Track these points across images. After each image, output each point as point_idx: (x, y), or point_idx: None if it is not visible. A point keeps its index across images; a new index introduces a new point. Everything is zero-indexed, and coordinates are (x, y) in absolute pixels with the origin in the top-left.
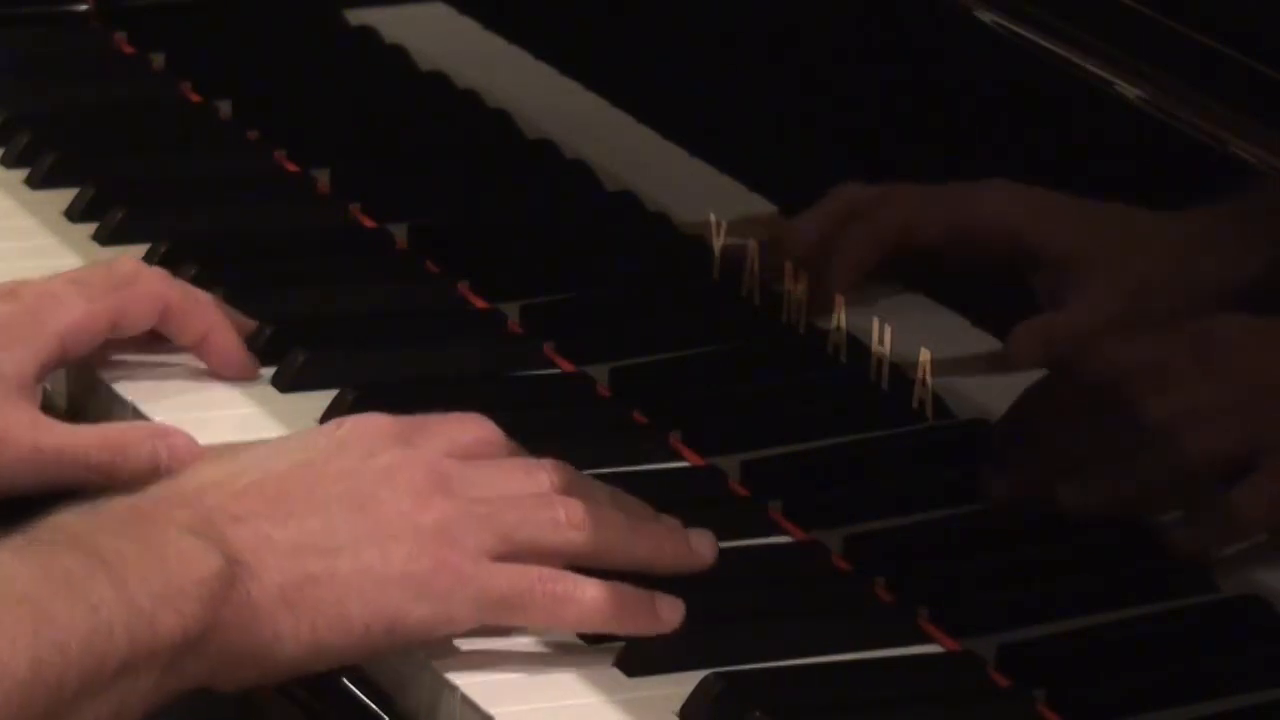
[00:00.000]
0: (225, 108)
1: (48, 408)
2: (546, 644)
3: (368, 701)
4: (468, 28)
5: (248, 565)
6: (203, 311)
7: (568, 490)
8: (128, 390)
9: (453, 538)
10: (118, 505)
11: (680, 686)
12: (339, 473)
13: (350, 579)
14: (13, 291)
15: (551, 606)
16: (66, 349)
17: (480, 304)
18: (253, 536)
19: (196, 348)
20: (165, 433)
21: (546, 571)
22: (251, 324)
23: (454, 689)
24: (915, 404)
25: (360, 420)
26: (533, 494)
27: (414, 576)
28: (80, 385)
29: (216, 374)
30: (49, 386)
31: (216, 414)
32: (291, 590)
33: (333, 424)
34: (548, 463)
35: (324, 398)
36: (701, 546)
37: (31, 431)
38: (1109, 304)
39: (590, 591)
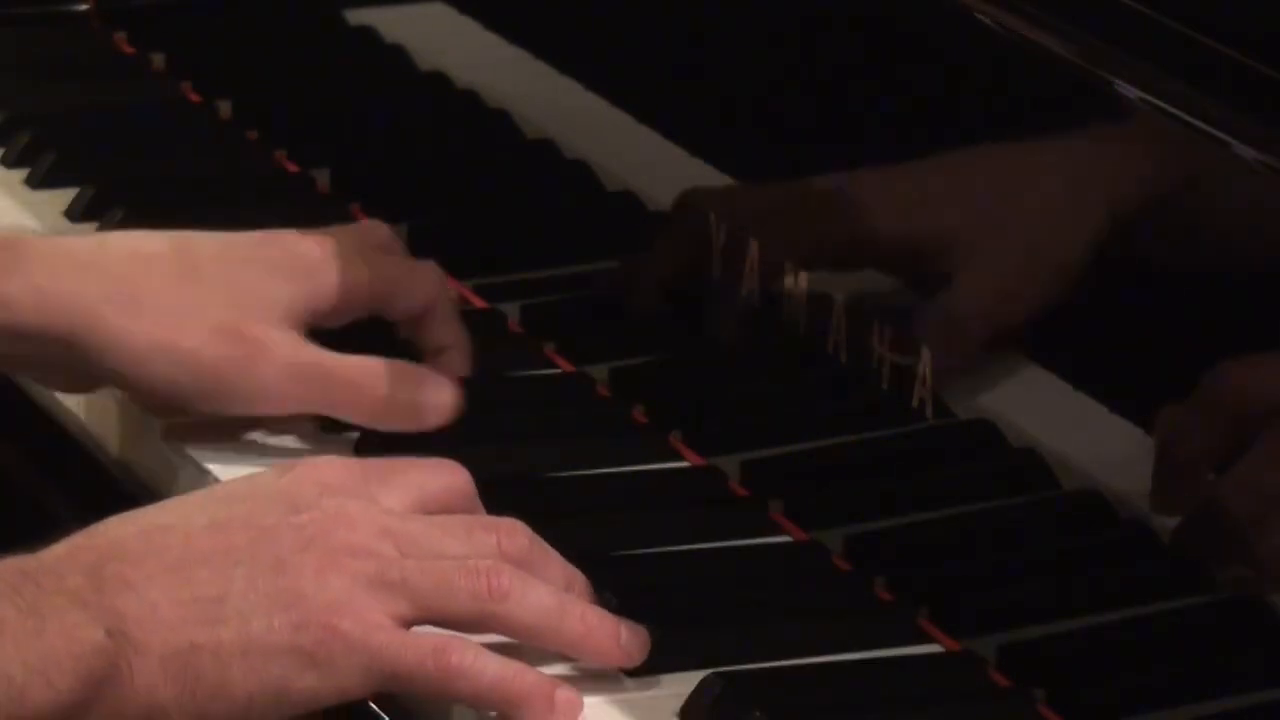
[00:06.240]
0: (225, 108)
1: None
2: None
3: (369, 703)
4: (468, 28)
5: (131, 637)
6: (454, 326)
7: (519, 556)
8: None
9: (351, 605)
10: (12, 564)
11: (680, 686)
12: (257, 530)
13: (233, 649)
14: (292, 240)
15: (445, 680)
16: (337, 305)
17: (480, 304)
18: (140, 606)
19: (431, 359)
20: (423, 377)
21: (445, 642)
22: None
23: None
24: (915, 404)
25: (312, 466)
26: (464, 559)
27: (300, 647)
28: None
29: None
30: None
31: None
32: (173, 661)
33: (282, 467)
34: (505, 524)
35: None
36: (632, 646)
37: (292, 349)
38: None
39: (491, 669)
